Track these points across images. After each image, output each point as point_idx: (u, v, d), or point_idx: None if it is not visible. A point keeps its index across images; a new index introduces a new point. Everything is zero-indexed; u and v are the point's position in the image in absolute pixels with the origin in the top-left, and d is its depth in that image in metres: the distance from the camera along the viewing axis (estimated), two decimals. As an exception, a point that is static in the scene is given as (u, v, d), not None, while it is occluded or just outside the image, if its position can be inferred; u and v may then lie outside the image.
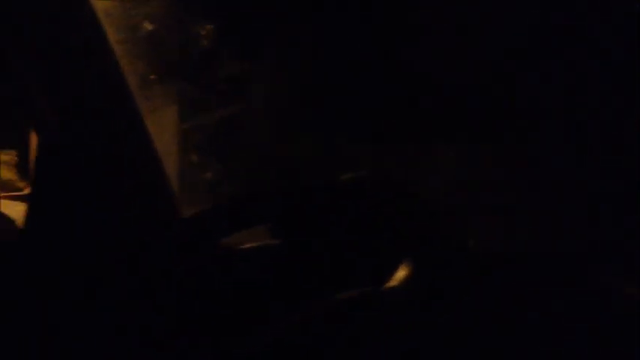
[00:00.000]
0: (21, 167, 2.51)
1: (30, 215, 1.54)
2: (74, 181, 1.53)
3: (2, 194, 2.45)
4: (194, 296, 1.39)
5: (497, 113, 2.47)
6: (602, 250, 2.07)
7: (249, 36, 2.39)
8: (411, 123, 2.47)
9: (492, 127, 2.47)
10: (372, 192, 1.51)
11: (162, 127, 2.32)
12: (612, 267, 1.85)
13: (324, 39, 2.44)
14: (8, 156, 2.62)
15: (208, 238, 1.42)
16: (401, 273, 1.36)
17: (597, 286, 1.47)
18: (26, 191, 2.42)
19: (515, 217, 2.40)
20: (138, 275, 1.38)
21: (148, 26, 2.20)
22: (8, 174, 2.62)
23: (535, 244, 2.14)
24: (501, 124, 2.48)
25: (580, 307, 1.37)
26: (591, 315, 1.34)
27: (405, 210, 1.50)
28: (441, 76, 2.43)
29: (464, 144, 2.45)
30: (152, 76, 2.18)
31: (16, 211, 2.04)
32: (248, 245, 1.50)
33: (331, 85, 2.45)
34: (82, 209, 1.52)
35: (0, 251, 1.61)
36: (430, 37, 2.45)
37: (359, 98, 2.43)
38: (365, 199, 1.49)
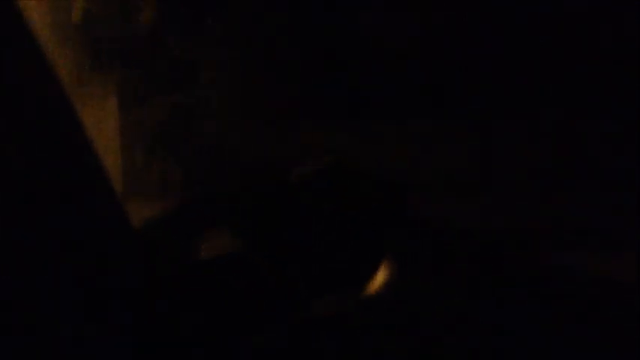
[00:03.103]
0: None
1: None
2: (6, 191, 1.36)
3: None
4: (162, 309, 1.27)
5: (460, 86, 2.40)
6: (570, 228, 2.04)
7: (194, 16, 2.27)
8: (366, 99, 2.39)
9: (458, 100, 2.41)
10: (330, 184, 1.42)
11: (103, 119, 2.17)
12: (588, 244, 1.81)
13: (274, 17, 2.33)
14: None
15: (171, 243, 1.30)
16: (381, 275, 1.27)
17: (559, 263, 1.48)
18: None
19: (483, 192, 2.35)
20: (94, 292, 1.26)
21: (83, 6, 2.04)
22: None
23: (503, 221, 2.10)
24: (466, 97, 2.41)
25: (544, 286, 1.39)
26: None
27: (368, 200, 1.41)
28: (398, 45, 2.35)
29: (425, 118, 2.37)
30: (88, 66, 2.02)
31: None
32: (213, 253, 1.37)
33: (283, 65, 2.35)
34: (18, 218, 1.36)
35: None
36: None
37: (311, 77, 2.33)
38: (325, 192, 1.40)
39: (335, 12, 2.36)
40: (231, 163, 2.28)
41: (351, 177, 1.44)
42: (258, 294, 1.31)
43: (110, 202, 1.47)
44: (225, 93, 2.29)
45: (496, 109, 2.43)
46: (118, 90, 2.15)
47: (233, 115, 2.33)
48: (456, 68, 2.39)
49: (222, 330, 1.25)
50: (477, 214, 2.28)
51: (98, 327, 1.25)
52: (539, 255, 1.62)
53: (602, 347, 1.35)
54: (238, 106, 2.33)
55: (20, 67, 1.38)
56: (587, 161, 2.34)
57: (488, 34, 2.36)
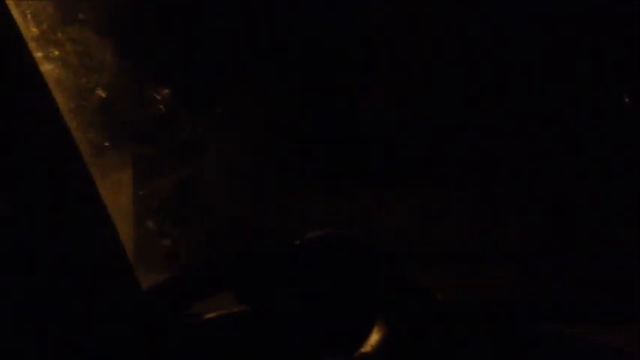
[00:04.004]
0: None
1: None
2: (25, 255, 1.46)
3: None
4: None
5: (452, 158, 2.45)
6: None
7: (203, 98, 2.37)
8: (366, 170, 2.45)
9: (448, 171, 2.46)
10: (331, 251, 1.48)
11: (118, 191, 2.27)
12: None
13: (278, 97, 2.43)
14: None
15: (171, 309, 1.37)
16: (374, 337, 1.33)
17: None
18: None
19: (475, 262, 2.39)
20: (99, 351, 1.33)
21: (102, 94, 2.16)
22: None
23: (497, 290, 2.14)
24: (456, 169, 2.47)
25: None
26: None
27: (368, 268, 1.47)
28: (394, 123, 2.42)
29: (425, 189, 2.43)
30: (106, 143, 2.13)
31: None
32: (213, 314, 1.45)
33: (284, 139, 2.43)
34: (35, 284, 1.46)
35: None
36: (381, 85, 2.44)
37: (313, 149, 2.41)
38: (326, 259, 1.46)
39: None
40: (235, 233, 2.36)
41: (347, 246, 1.51)
42: (250, 352, 1.38)
43: (123, 269, 1.56)
44: (230, 168, 2.39)
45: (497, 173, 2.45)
46: (132, 164, 2.27)
47: (238, 189, 2.42)
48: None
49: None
50: (473, 282, 2.30)
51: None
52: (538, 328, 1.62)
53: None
54: (243, 180, 2.43)
55: (49, 146, 1.49)
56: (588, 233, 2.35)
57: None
